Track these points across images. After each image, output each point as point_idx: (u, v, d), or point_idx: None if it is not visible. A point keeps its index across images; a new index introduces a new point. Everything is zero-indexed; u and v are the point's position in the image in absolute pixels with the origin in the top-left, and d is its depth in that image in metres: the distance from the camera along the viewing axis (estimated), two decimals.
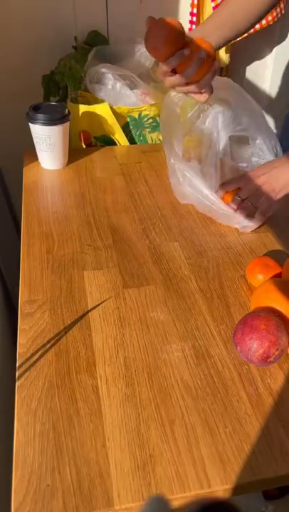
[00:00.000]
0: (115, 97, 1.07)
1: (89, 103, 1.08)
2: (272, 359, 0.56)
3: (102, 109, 1.05)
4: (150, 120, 1.08)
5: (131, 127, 1.10)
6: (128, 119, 1.08)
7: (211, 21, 0.80)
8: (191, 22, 1.31)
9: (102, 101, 1.07)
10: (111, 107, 1.04)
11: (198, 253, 0.77)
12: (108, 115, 1.05)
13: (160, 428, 0.52)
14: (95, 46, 1.18)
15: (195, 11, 1.28)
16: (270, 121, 1.56)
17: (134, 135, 1.12)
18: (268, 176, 0.81)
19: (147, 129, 1.11)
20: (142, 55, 1.16)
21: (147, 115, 1.07)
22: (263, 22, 1.28)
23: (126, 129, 1.10)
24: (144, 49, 1.15)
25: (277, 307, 0.61)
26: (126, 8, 1.26)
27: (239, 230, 0.83)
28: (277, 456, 0.50)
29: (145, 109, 1.06)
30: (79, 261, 0.75)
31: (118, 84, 1.07)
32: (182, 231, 0.83)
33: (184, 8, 1.31)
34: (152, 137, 1.13)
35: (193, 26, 1.31)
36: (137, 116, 1.08)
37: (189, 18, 1.30)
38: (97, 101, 1.08)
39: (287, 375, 0.58)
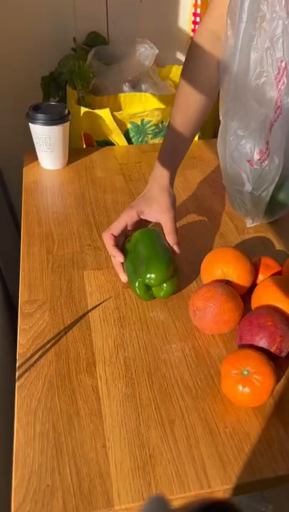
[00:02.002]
0: None
1: (92, 107, 1.08)
2: (285, 353, 0.57)
3: (103, 115, 1.05)
4: (153, 127, 1.08)
5: (133, 133, 1.10)
6: (130, 126, 1.08)
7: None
8: (194, 22, 1.31)
9: (103, 106, 1.07)
10: (112, 113, 1.04)
11: (198, 253, 0.77)
12: (109, 121, 1.05)
13: (160, 428, 0.52)
14: (94, 47, 1.18)
15: (199, 11, 1.28)
16: None
17: (136, 141, 1.12)
18: None
19: (150, 135, 1.11)
20: (142, 55, 1.16)
21: (150, 121, 1.07)
22: None
23: (128, 135, 1.10)
24: (144, 49, 1.16)
25: (278, 304, 0.61)
26: (126, 8, 1.26)
27: (238, 230, 0.84)
28: (277, 456, 0.50)
29: (147, 115, 1.06)
30: (79, 261, 0.75)
31: None
32: (182, 231, 0.83)
33: (184, 8, 1.31)
34: (154, 143, 1.13)
35: (196, 27, 1.31)
36: (139, 123, 1.08)
37: (192, 18, 1.30)
38: (99, 106, 1.08)
39: (287, 375, 0.59)
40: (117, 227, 0.72)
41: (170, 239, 0.71)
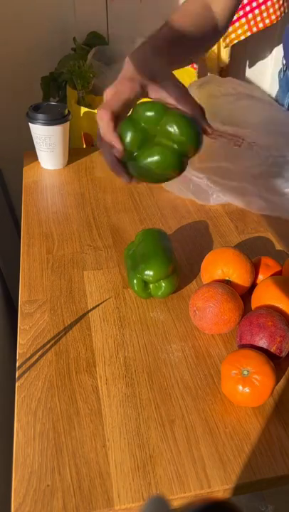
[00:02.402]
0: None
1: (92, 107, 1.08)
2: (285, 353, 0.57)
3: None
4: None
5: None
6: None
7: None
8: None
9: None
10: None
11: (198, 253, 0.77)
12: None
13: (160, 428, 0.52)
14: (94, 47, 1.18)
15: None
16: None
17: None
18: None
19: None
20: None
21: None
22: (267, 21, 1.28)
23: None
24: None
25: (278, 304, 0.61)
26: (126, 8, 1.26)
27: (238, 229, 0.84)
28: (277, 456, 0.50)
29: None
30: (79, 261, 0.75)
31: None
32: (182, 231, 0.83)
33: None
34: None
35: None
36: None
37: None
38: (99, 106, 1.08)
39: (287, 375, 0.59)
40: (118, 101, 0.54)
41: (189, 106, 0.54)
